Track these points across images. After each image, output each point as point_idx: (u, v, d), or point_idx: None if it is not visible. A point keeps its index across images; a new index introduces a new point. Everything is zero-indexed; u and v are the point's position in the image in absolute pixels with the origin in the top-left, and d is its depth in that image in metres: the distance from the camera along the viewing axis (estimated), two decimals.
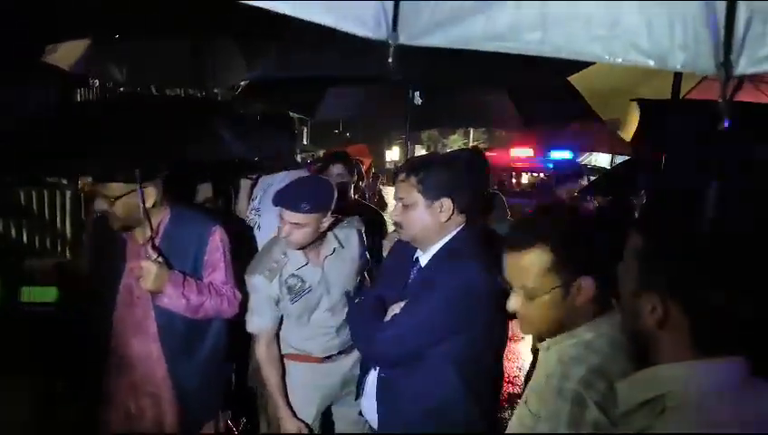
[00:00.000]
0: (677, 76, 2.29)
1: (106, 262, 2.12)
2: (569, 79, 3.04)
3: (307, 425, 2.35)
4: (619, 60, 0.85)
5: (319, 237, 2.26)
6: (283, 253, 2.26)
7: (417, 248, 1.95)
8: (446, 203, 1.82)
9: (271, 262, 2.26)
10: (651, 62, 0.84)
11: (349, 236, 2.38)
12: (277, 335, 2.38)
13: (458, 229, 1.87)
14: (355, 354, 2.37)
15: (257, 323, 2.29)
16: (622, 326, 1.11)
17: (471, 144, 25.72)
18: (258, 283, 2.23)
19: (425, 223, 1.84)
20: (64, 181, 4.91)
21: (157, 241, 2.11)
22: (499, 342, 1.97)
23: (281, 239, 2.23)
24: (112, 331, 2.15)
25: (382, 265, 2.34)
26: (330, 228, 2.30)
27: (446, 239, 1.87)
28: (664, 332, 0.94)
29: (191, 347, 2.19)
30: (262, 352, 2.32)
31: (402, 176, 1.89)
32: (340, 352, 2.38)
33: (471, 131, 25.75)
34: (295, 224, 2.14)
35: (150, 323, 2.12)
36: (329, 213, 2.21)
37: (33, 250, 4.59)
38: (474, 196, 1.95)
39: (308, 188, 2.24)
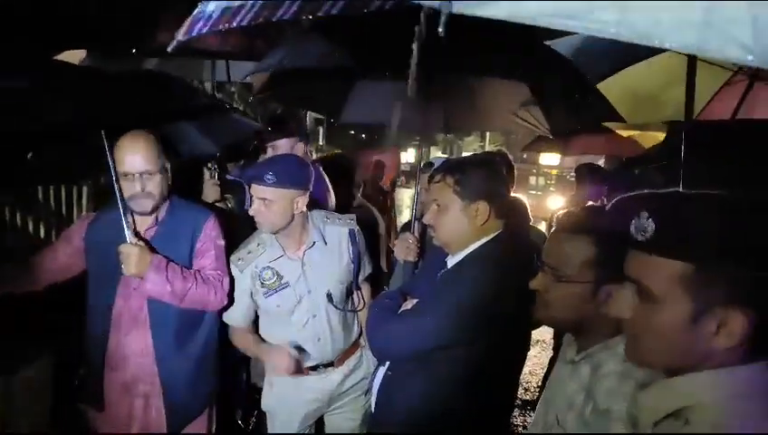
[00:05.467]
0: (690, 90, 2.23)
1: (104, 254, 2.07)
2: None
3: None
4: (712, 53, 0.75)
5: (297, 226, 2.16)
6: (258, 243, 2.18)
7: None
8: (483, 206, 1.75)
9: (245, 251, 2.18)
10: (750, 58, 0.73)
11: (335, 234, 2.25)
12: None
13: (493, 235, 1.79)
14: (344, 369, 2.28)
15: (229, 313, 2.22)
16: (648, 360, 0.95)
17: (487, 146, 25.60)
18: (232, 273, 2.18)
19: (459, 226, 1.77)
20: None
21: (154, 230, 2.11)
22: (518, 355, 1.88)
23: (259, 229, 2.16)
24: (111, 326, 2.11)
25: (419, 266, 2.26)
26: (314, 221, 2.22)
27: (478, 244, 1.78)
28: (728, 346, 0.84)
29: (182, 341, 2.14)
30: (236, 338, 2.27)
31: (438, 177, 1.82)
32: (327, 365, 2.26)
33: (487, 134, 25.59)
34: (263, 199, 2.05)
35: (145, 314, 2.09)
36: (304, 193, 2.11)
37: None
38: (508, 201, 1.88)
39: (278, 161, 2.17)
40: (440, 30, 0.71)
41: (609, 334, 1.24)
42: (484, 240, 1.78)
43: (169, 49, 1.13)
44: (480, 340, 1.68)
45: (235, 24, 1.04)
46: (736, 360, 0.84)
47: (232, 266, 2.17)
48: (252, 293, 2.18)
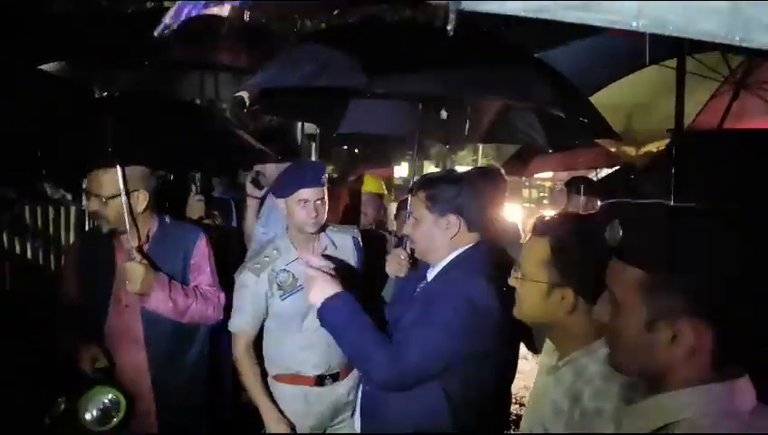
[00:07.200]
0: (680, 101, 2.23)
1: (95, 273, 2.11)
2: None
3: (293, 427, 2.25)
4: (738, 39, 0.69)
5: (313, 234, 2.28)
6: (275, 249, 2.25)
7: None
8: (453, 219, 1.83)
9: (261, 257, 2.24)
10: None
11: (343, 240, 2.38)
12: (261, 356, 2.31)
13: (467, 247, 1.86)
14: (348, 383, 2.30)
15: (236, 321, 2.23)
16: (621, 366, 0.97)
17: (480, 160, 25.62)
18: (246, 279, 2.21)
19: (431, 238, 1.86)
20: (69, 197, 4.88)
21: (146, 247, 2.11)
22: (506, 366, 1.90)
23: (302, 224, 2.23)
24: (104, 343, 2.10)
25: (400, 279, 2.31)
26: (324, 230, 2.34)
27: (454, 255, 1.86)
28: (684, 358, 0.85)
29: (177, 355, 2.16)
30: (240, 350, 2.25)
31: (414, 191, 1.94)
32: (333, 378, 2.28)
33: (480, 147, 25.61)
34: (321, 200, 2.19)
35: (138, 330, 2.09)
36: None
37: (37, 267, 4.52)
38: (486, 215, 1.96)
39: (311, 163, 2.32)
40: (449, 28, 0.68)
41: (587, 339, 1.26)
42: (457, 252, 1.86)
43: (156, 33, 1.11)
44: (470, 349, 1.70)
45: (225, 5, 1.02)
46: (707, 373, 0.84)
47: (248, 273, 2.21)
48: (267, 297, 2.21)
